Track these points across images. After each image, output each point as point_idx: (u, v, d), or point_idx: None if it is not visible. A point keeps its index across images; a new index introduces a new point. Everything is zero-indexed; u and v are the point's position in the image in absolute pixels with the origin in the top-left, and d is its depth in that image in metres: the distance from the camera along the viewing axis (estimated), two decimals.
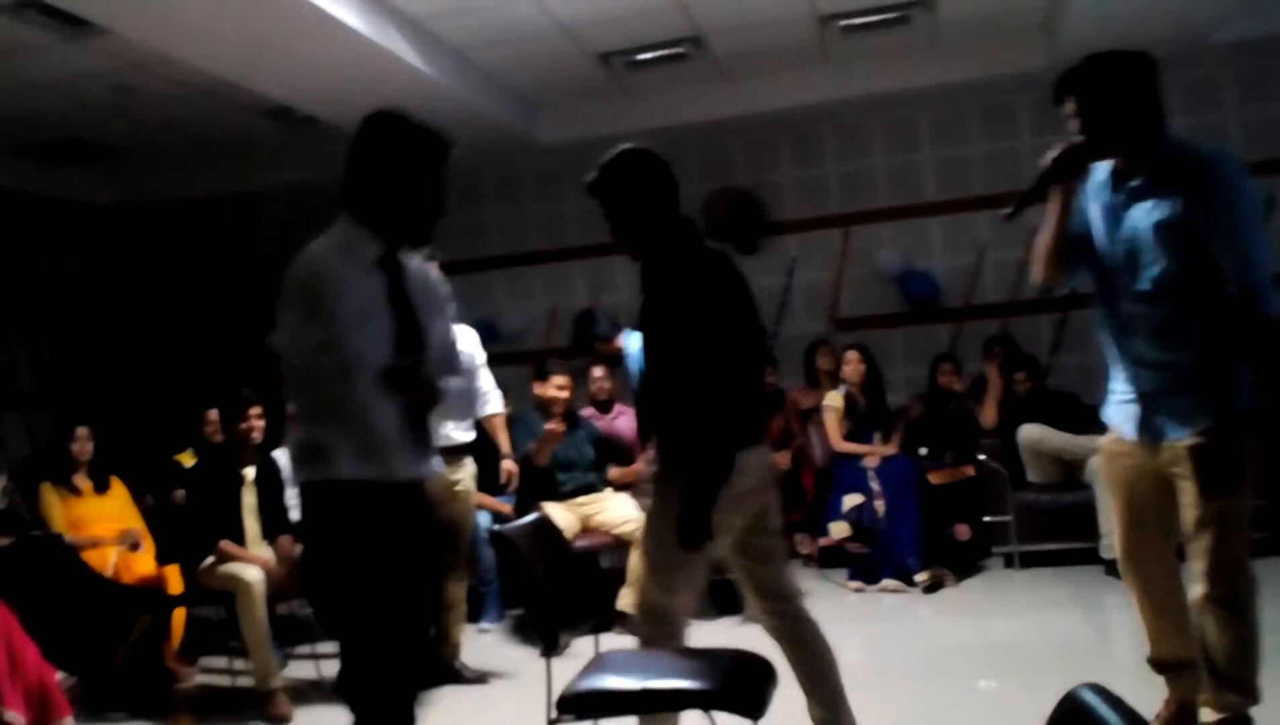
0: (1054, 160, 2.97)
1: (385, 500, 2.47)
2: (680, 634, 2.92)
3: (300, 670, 4.97)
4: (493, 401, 4.81)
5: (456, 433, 4.36)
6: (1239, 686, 2.81)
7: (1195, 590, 2.87)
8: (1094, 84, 2.89)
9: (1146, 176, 2.85)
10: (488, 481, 6.08)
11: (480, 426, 4.86)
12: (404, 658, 2.54)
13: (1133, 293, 2.91)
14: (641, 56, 6.45)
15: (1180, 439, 2.81)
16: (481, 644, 5.43)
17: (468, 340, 4.47)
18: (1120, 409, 3.03)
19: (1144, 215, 2.85)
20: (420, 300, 2.61)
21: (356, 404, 2.41)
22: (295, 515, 5.43)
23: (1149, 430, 2.91)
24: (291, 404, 2.57)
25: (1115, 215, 2.93)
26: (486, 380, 4.58)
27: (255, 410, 4.83)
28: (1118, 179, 2.94)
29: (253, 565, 4.56)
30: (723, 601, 5.68)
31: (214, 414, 5.79)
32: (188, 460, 5.59)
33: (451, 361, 2.70)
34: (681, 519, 2.69)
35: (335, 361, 2.41)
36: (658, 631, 2.88)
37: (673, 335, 2.76)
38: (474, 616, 5.72)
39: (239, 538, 4.71)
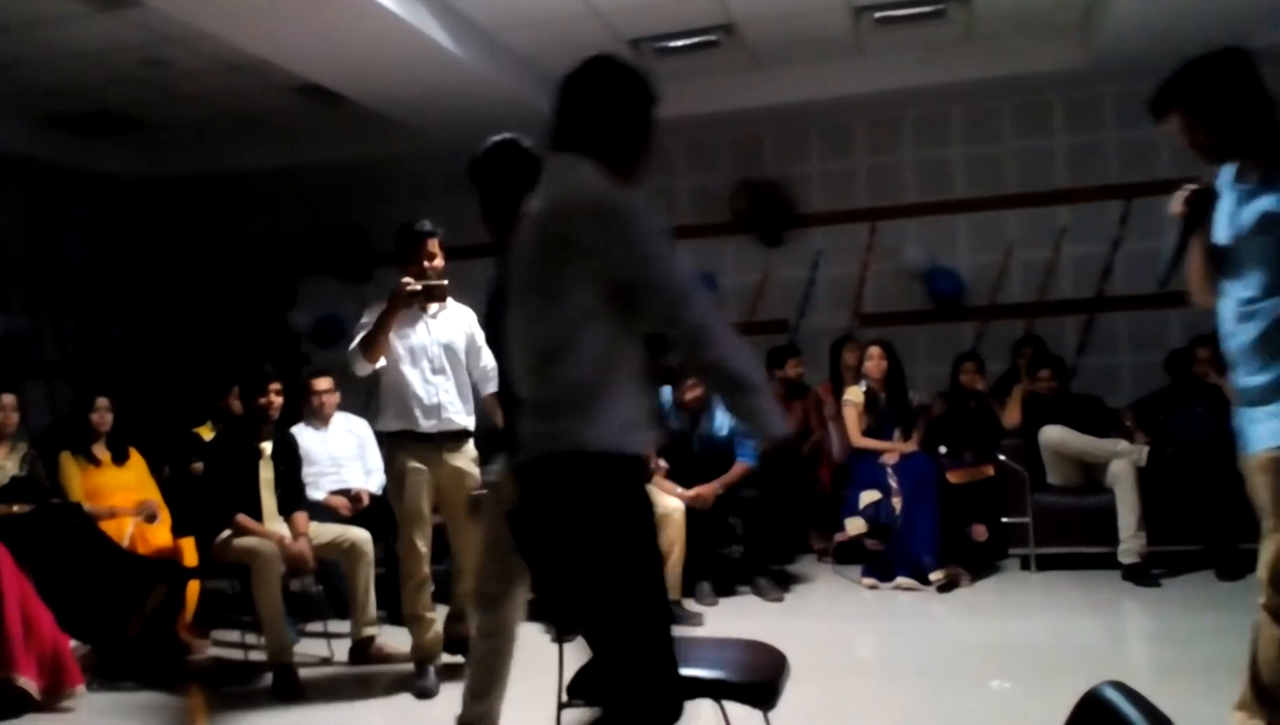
0: (1184, 215, 2.87)
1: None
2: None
3: (313, 647, 4.98)
4: (491, 381, 4.75)
5: (458, 417, 4.34)
6: (1273, 702, 2.76)
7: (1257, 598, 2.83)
8: (1199, 92, 2.77)
9: (1260, 175, 2.73)
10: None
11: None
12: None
13: (1235, 298, 2.78)
14: (673, 43, 6.41)
15: (1255, 452, 2.75)
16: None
17: (469, 320, 4.49)
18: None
19: (1250, 216, 2.73)
20: None
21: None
22: (318, 495, 5.48)
23: (1240, 436, 2.85)
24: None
25: (1231, 216, 2.80)
26: (488, 358, 4.58)
27: (275, 386, 4.83)
28: (1238, 177, 2.82)
29: (268, 540, 4.57)
30: (720, 585, 5.68)
31: (238, 388, 5.82)
32: (207, 433, 5.61)
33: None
34: None
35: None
36: None
37: None
38: None
39: (256, 512, 4.72)
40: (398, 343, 4.21)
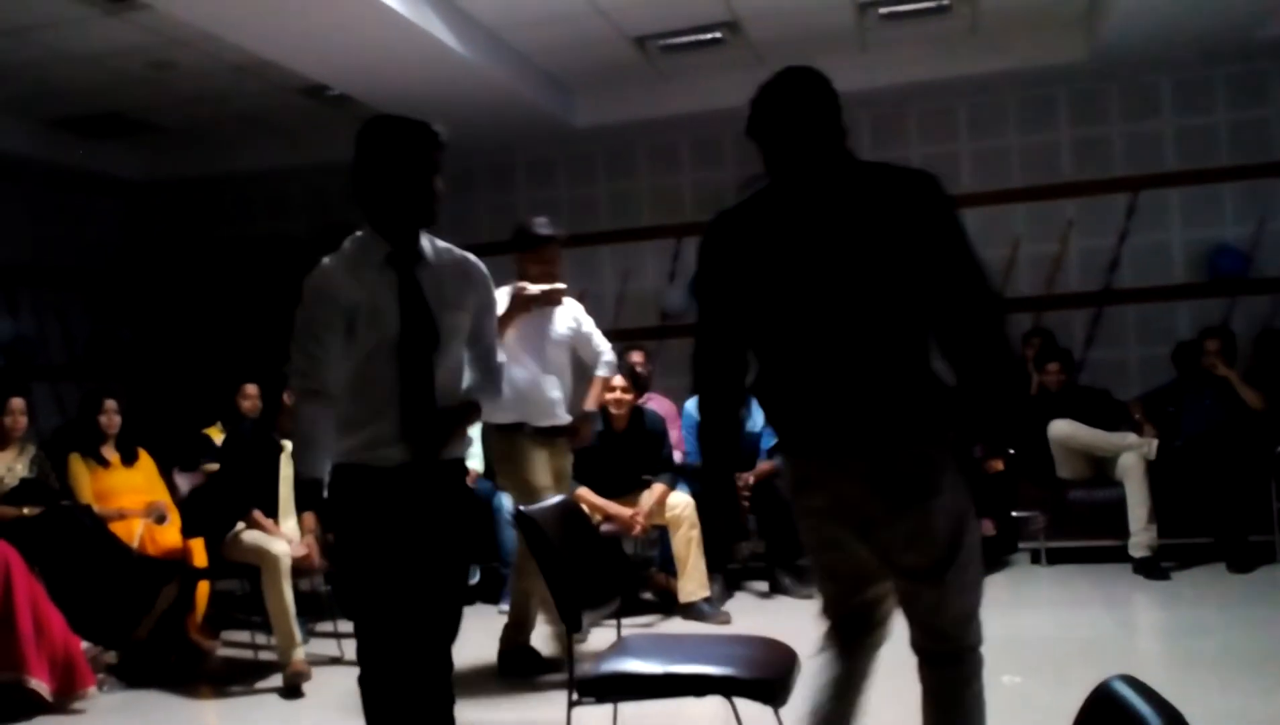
0: None
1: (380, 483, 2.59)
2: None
3: (322, 647, 4.99)
4: (605, 364, 4.69)
5: (564, 415, 4.38)
6: None
7: None
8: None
9: None
10: None
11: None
12: (415, 648, 2.66)
13: None
14: (677, 40, 6.40)
15: None
16: (503, 625, 5.43)
17: (577, 312, 4.54)
18: None
19: None
20: (441, 292, 2.63)
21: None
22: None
23: None
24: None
25: None
26: (599, 342, 4.63)
27: None
28: None
29: (279, 538, 4.58)
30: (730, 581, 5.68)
31: (252, 388, 5.83)
32: (216, 435, 5.63)
33: (484, 357, 2.77)
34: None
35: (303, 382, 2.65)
36: None
37: None
38: (495, 598, 5.74)
39: (274, 506, 4.74)
40: (514, 340, 4.18)
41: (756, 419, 5.68)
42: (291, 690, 4.35)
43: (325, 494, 2.57)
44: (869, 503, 2.17)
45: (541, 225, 4.35)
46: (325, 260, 2.69)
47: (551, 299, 4.18)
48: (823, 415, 2.19)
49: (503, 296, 4.11)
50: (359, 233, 2.70)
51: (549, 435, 4.34)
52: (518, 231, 4.38)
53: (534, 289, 4.13)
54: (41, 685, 4.06)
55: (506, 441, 4.29)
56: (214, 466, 5.17)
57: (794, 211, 2.22)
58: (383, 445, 2.56)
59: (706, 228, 2.38)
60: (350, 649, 4.81)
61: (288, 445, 4.86)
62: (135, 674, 4.65)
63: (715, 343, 2.35)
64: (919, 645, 2.33)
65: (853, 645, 2.41)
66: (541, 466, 4.29)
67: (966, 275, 2.14)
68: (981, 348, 2.13)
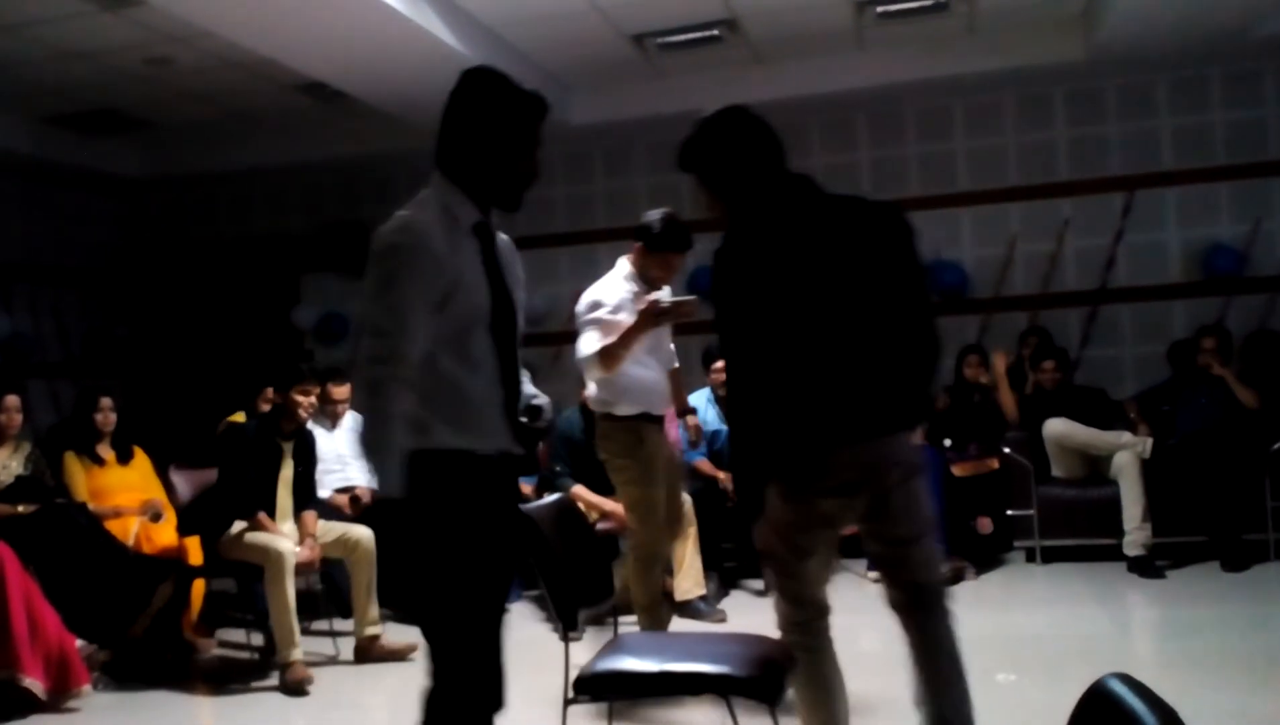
0: None
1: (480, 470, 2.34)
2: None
3: (318, 645, 4.99)
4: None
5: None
6: None
7: None
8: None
9: None
10: None
11: None
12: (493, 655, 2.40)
13: None
14: (675, 38, 6.40)
15: None
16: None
17: None
18: None
19: None
20: (512, 270, 2.50)
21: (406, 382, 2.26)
22: (323, 492, 5.50)
23: None
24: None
25: None
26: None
27: (308, 387, 4.84)
28: None
29: (285, 538, 4.58)
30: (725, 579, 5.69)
31: (271, 392, 5.79)
32: (239, 419, 5.64)
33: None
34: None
35: (391, 343, 2.22)
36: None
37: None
38: None
39: (272, 510, 4.74)
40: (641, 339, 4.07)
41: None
42: (294, 690, 4.34)
43: (403, 484, 2.25)
44: (877, 481, 2.54)
45: (676, 228, 4.11)
46: (410, 213, 2.33)
47: (685, 312, 3.96)
48: (841, 408, 2.53)
49: (614, 286, 4.03)
50: (433, 189, 2.39)
51: (660, 424, 4.26)
52: (658, 228, 4.09)
53: (666, 301, 3.97)
54: (36, 684, 4.05)
55: (632, 433, 4.13)
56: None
57: (804, 240, 2.58)
58: (490, 431, 2.32)
59: (721, 261, 2.63)
60: (346, 648, 4.83)
61: (288, 447, 4.86)
62: (130, 672, 4.64)
63: (755, 356, 2.57)
64: (906, 601, 2.70)
65: (822, 634, 2.70)
66: (662, 456, 4.23)
67: (922, 287, 2.69)
68: (923, 341, 2.62)
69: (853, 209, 2.65)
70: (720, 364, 5.73)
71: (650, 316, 3.88)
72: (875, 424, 2.53)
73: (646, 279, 4.08)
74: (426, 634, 2.32)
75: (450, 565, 2.26)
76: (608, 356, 3.88)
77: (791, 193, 2.62)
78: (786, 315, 2.54)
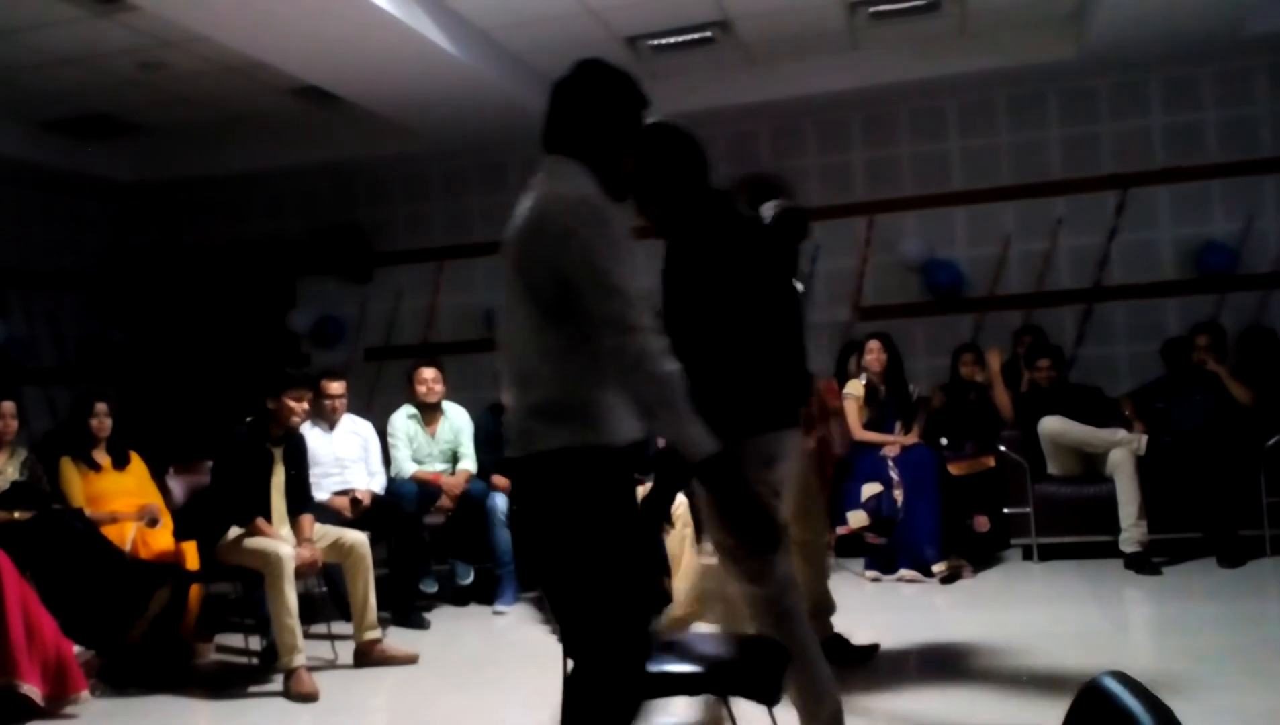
0: None
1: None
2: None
3: (317, 649, 4.99)
4: None
5: None
6: None
7: None
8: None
9: None
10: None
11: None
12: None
13: None
14: (668, 40, 6.41)
15: None
16: (497, 626, 5.44)
17: None
18: None
19: None
20: None
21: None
22: (321, 495, 5.49)
23: None
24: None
25: None
26: None
27: (298, 393, 4.83)
28: None
29: (284, 543, 4.57)
30: None
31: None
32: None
33: None
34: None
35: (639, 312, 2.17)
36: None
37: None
38: (490, 598, 5.75)
39: (266, 516, 4.73)
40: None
41: None
42: (302, 699, 4.32)
43: (546, 481, 2.19)
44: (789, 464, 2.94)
45: (790, 215, 4.04)
46: (582, 191, 2.24)
47: None
48: (791, 396, 3.00)
49: None
50: (573, 171, 2.31)
51: None
52: (788, 214, 4.03)
53: None
54: (33, 690, 4.04)
55: None
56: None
57: (735, 252, 2.85)
58: (628, 420, 2.24)
59: (665, 270, 2.81)
60: (345, 651, 4.83)
61: (278, 452, 4.85)
62: (127, 678, 4.64)
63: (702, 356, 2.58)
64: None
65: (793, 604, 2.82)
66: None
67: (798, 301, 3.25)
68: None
69: (758, 227, 3.09)
70: None
71: None
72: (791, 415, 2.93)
73: None
74: (597, 623, 2.20)
75: (632, 557, 2.25)
76: None
77: (715, 208, 2.88)
78: (734, 319, 2.77)
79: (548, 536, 2.22)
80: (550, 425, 2.18)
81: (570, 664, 2.25)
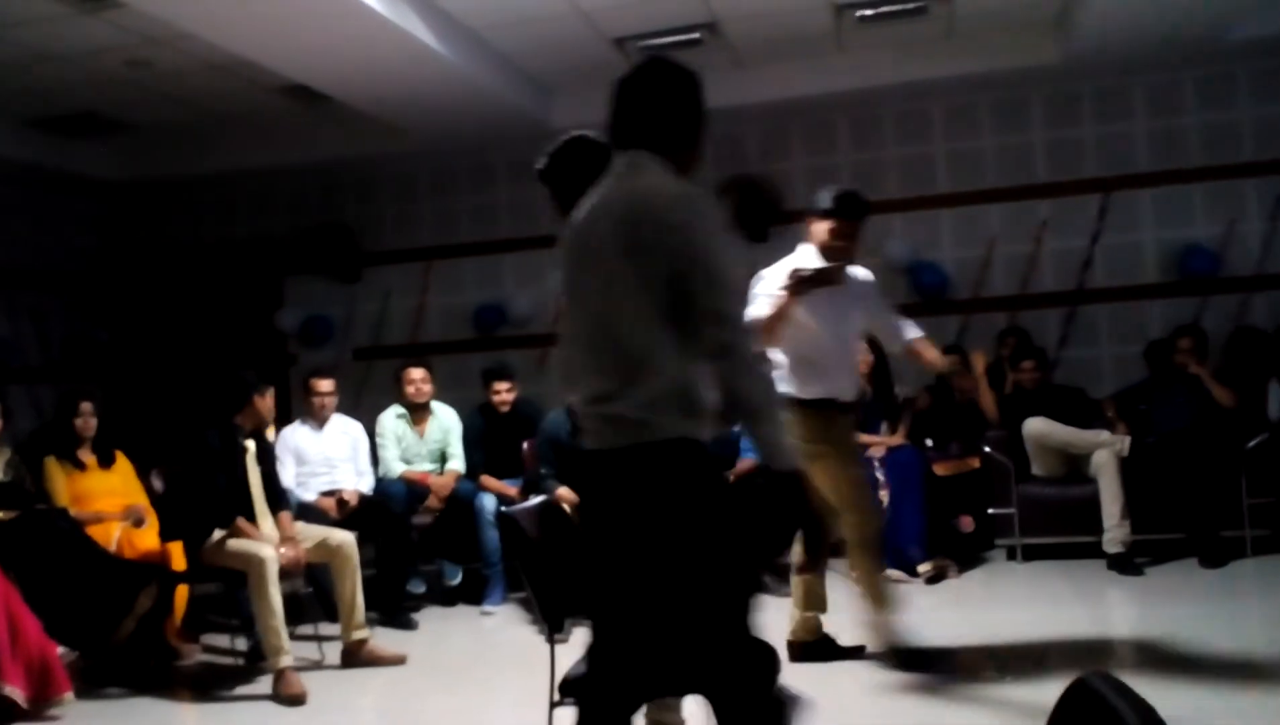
0: None
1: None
2: None
3: (304, 650, 4.98)
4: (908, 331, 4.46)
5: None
6: None
7: None
8: None
9: None
10: (495, 465, 6.11)
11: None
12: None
13: None
14: (656, 42, 6.41)
15: None
16: (485, 626, 5.45)
17: (870, 287, 4.35)
18: None
19: None
20: None
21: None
22: (309, 496, 5.48)
23: None
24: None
25: None
26: (891, 312, 4.49)
27: (263, 389, 4.83)
28: None
29: (265, 544, 4.56)
30: None
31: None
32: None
33: None
34: None
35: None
36: None
37: None
38: (477, 599, 5.75)
39: (249, 513, 4.72)
40: (812, 318, 3.97)
41: None
42: (290, 703, 4.29)
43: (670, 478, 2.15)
44: None
45: (846, 196, 4.09)
46: (684, 185, 2.26)
47: (828, 278, 3.88)
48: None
49: (786, 264, 3.96)
50: (659, 165, 2.30)
51: (846, 410, 4.17)
52: (828, 198, 4.09)
53: (808, 268, 3.90)
54: (16, 692, 4.02)
55: (820, 417, 4.03)
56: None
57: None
58: (713, 414, 2.25)
59: None
60: (332, 652, 4.82)
61: (250, 446, 4.83)
62: (112, 679, 4.62)
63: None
64: None
65: None
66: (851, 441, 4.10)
67: None
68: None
69: None
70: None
71: (794, 285, 3.81)
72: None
73: (827, 253, 4.03)
74: (726, 624, 2.16)
75: (742, 559, 2.23)
76: (766, 329, 3.79)
77: None
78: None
79: (666, 531, 2.13)
80: (668, 415, 2.14)
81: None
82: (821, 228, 4.07)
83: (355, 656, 4.73)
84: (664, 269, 2.14)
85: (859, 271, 4.26)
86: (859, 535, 4.16)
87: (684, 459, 2.15)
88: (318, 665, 4.81)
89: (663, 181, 2.23)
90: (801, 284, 3.83)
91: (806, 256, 4.07)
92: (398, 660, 4.72)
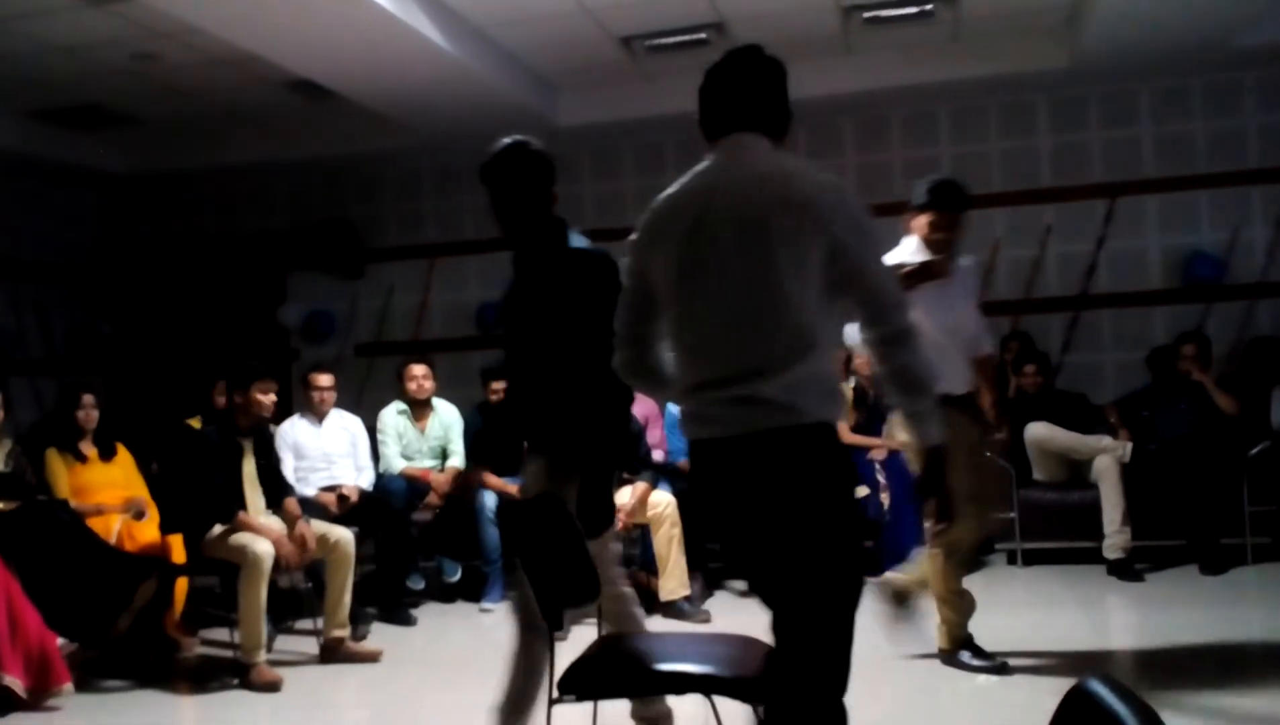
0: None
1: None
2: None
3: (303, 644, 4.98)
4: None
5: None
6: None
7: None
8: None
9: None
10: (493, 461, 6.10)
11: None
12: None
13: None
14: (663, 41, 6.41)
15: None
16: (484, 623, 5.44)
17: (972, 281, 4.35)
18: None
19: None
20: None
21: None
22: (308, 490, 5.48)
23: None
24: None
25: None
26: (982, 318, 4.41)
27: (263, 384, 4.82)
28: None
29: (263, 538, 4.56)
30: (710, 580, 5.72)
31: (223, 388, 5.80)
32: (198, 426, 5.60)
33: None
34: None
35: None
36: None
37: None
38: (476, 596, 5.75)
39: (241, 507, 4.72)
40: (920, 313, 3.94)
41: None
42: (263, 688, 4.35)
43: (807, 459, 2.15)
44: None
45: (944, 186, 4.05)
46: (817, 171, 2.31)
47: (934, 272, 3.84)
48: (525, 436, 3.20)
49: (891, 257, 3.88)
50: (777, 150, 2.37)
51: (960, 403, 4.05)
52: (926, 189, 4.06)
53: (912, 263, 3.86)
54: (16, 682, 4.03)
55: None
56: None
57: (534, 281, 3.15)
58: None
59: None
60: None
61: (247, 444, 4.84)
62: (112, 671, 4.62)
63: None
64: None
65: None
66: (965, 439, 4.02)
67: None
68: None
69: (576, 262, 3.07)
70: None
71: (900, 280, 3.63)
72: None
73: (930, 246, 4.00)
74: (826, 613, 2.22)
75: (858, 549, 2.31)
76: None
77: (545, 236, 3.08)
78: (514, 342, 3.07)
79: (816, 508, 2.14)
80: (813, 398, 2.14)
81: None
82: (921, 221, 4.04)
83: (334, 652, 4.74)
84: (822, 252, 2.16)
85: (963, 261, 4.19)
86: (947, 540, 4.06)
87: (829, 443, 2.18)
88: (314, 660, 4.80)
89: (795, 163, 2.28)
90: (908, 279, 3.76)
91: (910, 250, 4.03)
92: (372, 657, 4.73)
